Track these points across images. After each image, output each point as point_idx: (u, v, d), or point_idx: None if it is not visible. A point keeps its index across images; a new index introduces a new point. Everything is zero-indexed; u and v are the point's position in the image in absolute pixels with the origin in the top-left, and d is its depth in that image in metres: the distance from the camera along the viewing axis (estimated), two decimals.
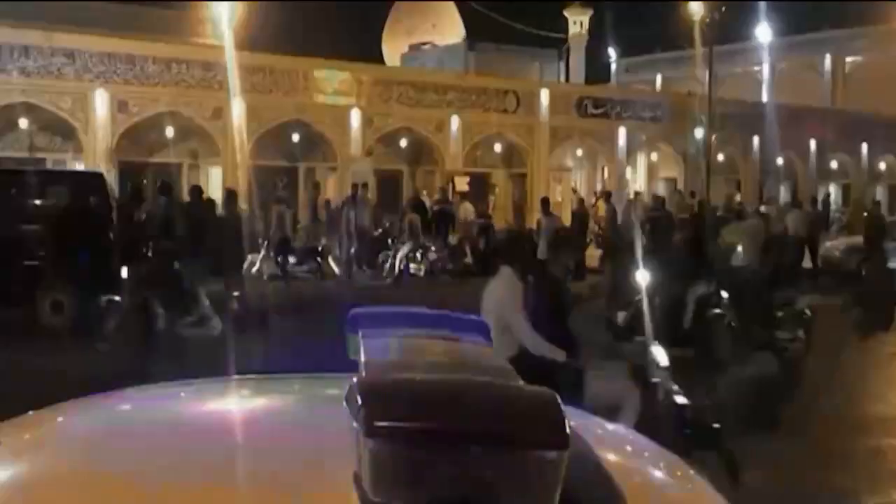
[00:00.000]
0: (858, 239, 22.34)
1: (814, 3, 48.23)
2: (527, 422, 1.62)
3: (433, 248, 21.61)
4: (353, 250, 21.10)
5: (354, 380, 1.73)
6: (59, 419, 2.41)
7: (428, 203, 24.97)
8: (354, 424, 1.59)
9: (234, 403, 2.54)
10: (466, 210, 25.37)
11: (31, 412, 2.43)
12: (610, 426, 2.67)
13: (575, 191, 35.47)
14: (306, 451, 1.98)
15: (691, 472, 2.29)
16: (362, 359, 2.07)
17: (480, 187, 32.75)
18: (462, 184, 30.37)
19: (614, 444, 2.41)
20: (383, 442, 1.52)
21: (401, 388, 1.70)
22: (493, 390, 1.78)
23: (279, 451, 1.96)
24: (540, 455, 1.56)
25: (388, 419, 1.54)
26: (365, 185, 24.22)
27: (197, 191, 16.77)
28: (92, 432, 2.23)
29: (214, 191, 26.92)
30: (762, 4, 45.63)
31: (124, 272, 13.65)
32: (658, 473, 2.31)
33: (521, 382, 1.95)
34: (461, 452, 1.54)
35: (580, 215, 24.81)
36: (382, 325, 2.38)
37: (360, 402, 1.60)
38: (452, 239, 23.04)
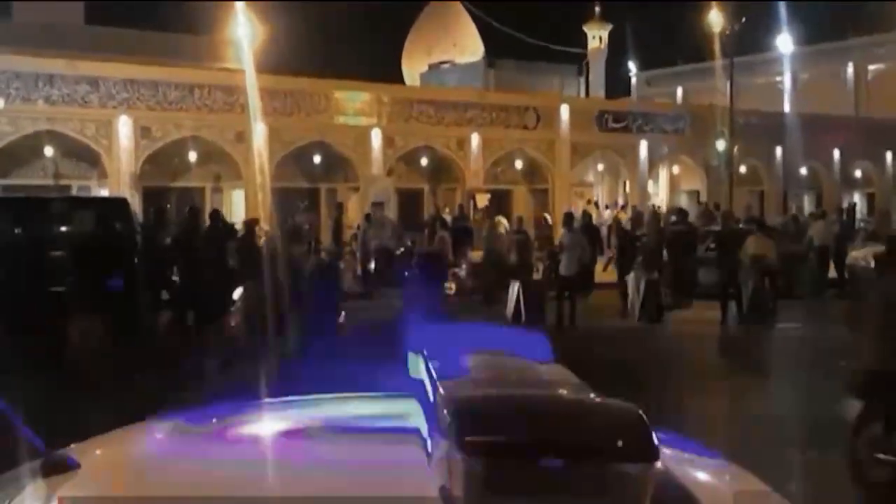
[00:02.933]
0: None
1: (835, 12, 48.02)
2: (617, 435, 1.63)
3: (462, 266, 21.60)
4: (372, 269, 21.11)
5: (441, 396, 1.75)
6: (139, 439, 2.44)
7: (448, 220, 24.97)
8: (444, 440, 1.61)
9: (304, 422, 2.56)
10: (501, 224, 25.32)
11: (108, 433, 2.47)
12: (694, 447, 2.59)
13: (592, 202, 35.36)
14: (381, 468, 1.99)
15: (776, 495, 2.23)
16: (433, 376, 2.09)
17: (502, 204, 32.75)
18: (483, 200, 30.39)
19: (699, 465, 2.36)
20: (478, 457, 1.55)
21: (492, 404, 1.72)
22: (582, 405, 1.80)
23: (356, 469, 1.98)
24: (630, 468, 1.58)
25: (482, 434, 1.56)
26: (381, 205, 24.23)
27: (216, 215, 16.91)
28: (169, 450, 2.25)
29: (238, 212, 27.17)
30: (783, 14, 45.40)
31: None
32: (745, 499, 2.24)
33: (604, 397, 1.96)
34: (554, 466, 1.56)
35: (589, 227, 23.94)
36: (444, 343, 2.40)
37: (452, 418, 1.61)
38: (474, 256, 22.97)
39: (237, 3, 28.56)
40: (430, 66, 53.96)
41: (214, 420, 2.62)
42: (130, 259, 14.41)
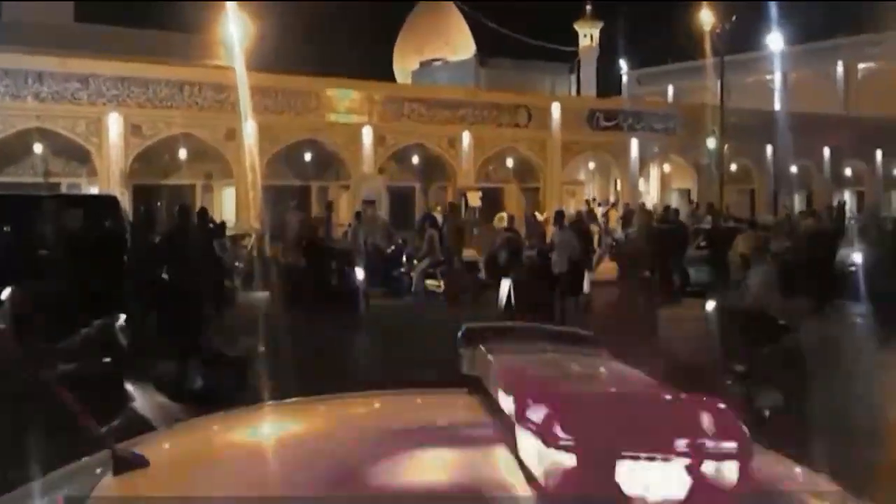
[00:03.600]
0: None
1: (825, 11, 48.17)
2: (708, 431, 1.65)
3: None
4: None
5: (523, 394, 1.76)
6: (205, 434, 2.43)
7: (439, 219, 24.95)
8: (531, 437, 1.63)
9: (367, 419, 2.54)
10: (503, 220, 25.37)
11: (175, 427, 2.47)
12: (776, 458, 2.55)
13: (588, 202, 35.40)
14: (460, 466, 1.98)
15: None
16: (492, 374, 2.10)
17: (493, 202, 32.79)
18: (474, 199, 30.39)
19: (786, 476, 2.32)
20: (570, 454, 1.56)
21: (575, 402, 1.74)
22: (667, 401, 1.82)
23: (426, 465, 1.98)
24: (722, 465, 1.60)
25: (572, 432, 1.58)
26: (373, 203, 24.22)
27: (203, 214, 16.90)
28: (236, 446, 2.25)
29: (229, 210, 27.16)
30: (773, 13, 45.53)
31: None
32: None
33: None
34: (646, 463, 1.58)
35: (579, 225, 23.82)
36: (496, 341, 2.42)
37: (542, 415, 1.63)
38: (467, 254, 22.93)
39: (228, 1, 28.51)
40: (422, 65, 53.95)
41: (266, 415, 2.62)
42: (120, 257, 14.39)
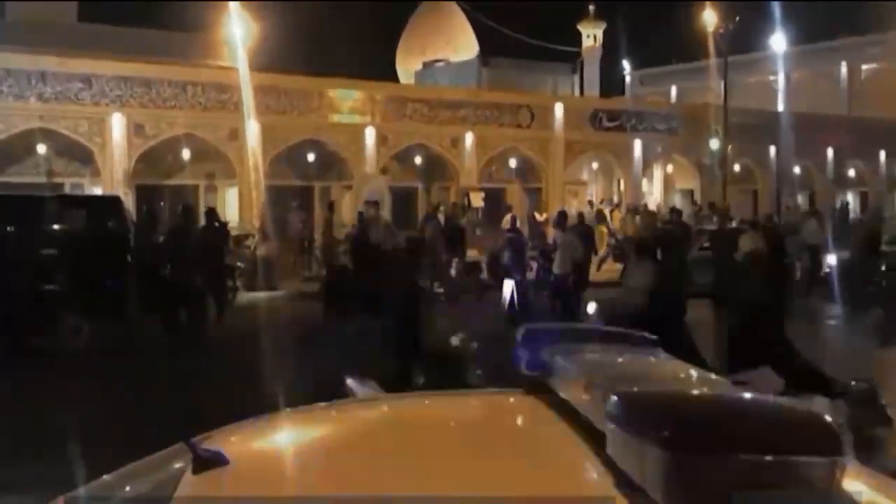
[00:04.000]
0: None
1: (829, 11, 48.11)
2: (801, 429, 1.66)
3: (452, 266, 21.54)
4: None
5: (620, 394, 1.77)
6: (278, 430, 2.44)
7: (442, 219, 24.91)
8: (631, 437, 1.64)
9: (434, 418, 2.55)
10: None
11: (249, 422, 2.46)
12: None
13: (601, 202, 35.37)
14: (544, 466, 1.99)
15: None
16: (565, 374, 2.10)
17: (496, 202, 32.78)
18: (477, 199, 30.38)
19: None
20: (676, 452, 1.57)
21: (666, 402, 1.75)
22: (758, 402, 1.83)
23: (502, 464, 1.98)
24: (817, 462, 1.61)
25: (678, 431, 1.59)
26: (377, 204, 24.19)
27: (212, 214, 16.93)
28: (309, 444, 2.25)
29: (231, 211, 27.15)
30: (777, 14, 45.48)
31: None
32: None
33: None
34: (745, 461, 1.59)
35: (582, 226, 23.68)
36: (558, 341, 2.42)
37: (647, 416, 1.64)
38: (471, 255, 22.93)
39: (231, 1, 28.52)
40: (425, 65, 53.95)
41: (334, 412, 2.62)
42: (123, 257, 14.41)
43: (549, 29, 57.51)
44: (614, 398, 1.76)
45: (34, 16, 33.42)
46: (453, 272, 21.50)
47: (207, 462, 1.93)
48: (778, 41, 48.31)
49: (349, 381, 3.21)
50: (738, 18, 34.23)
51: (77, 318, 13.63)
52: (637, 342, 2.61)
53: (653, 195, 37.22)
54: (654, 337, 2.74)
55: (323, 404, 2.61)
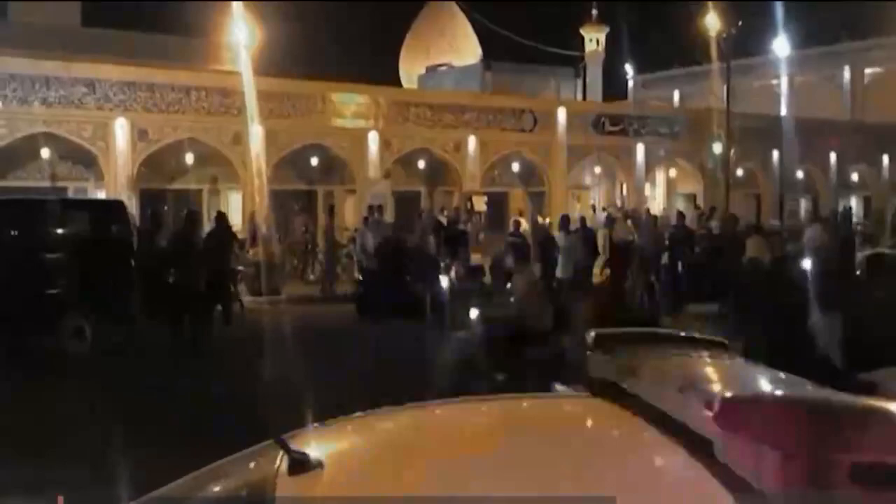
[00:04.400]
0: (880, 251, 22.11)
1: (831, 15, 48.10)
2: None
3: (453, 270, 21.50)
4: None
5: (727, 399, 1.77)
6: (362, 432, 2.45)
7: (444, 222, 24.93)
8: (745, 442, 1.64)
9: (510, 419, 2.54)
10: (521, 224, 25.54)
11: (338, 421, 2.47)
12: None
13: (599, 208, 35.38)
14: (616, 467, 1.98)
15: None
16: (640, 376, 2.12)
17: (499, 206, 32.80)
18: (480, 203, 30.39)
19: None
20: (798, 455, 1.58)
21: (786, 406, 1.76)
22: (874, 404, 1.83)
23: (592, 467, 1.98)
24: None
25: (796, 436, 1.60)
26: (380, 208, 24.24)
27: (221, 217, 16.96)
28: (393, 446, 2.26)
29: (235, 215, 27.16)
30: (779, 18, 45.45)
31: None
32: None
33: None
34: (867, 464, 1.60)
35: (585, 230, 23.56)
36: (626, 345, 2.42)
37: (761, 420, 1.65)
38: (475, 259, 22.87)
39: (234, 5, 28.56)
40: (428, 69, 53.98)
41: (414, 414, 2.60)
42: (127, 261, 14.45)
43: (552, 33, 57.58)
44: (723, 401, 1.75)
45: (38, 19, 33.50)
46: (454, 276, 21.47)
47: (302, 463, 1.95)
48: (781, 45, 48.26)
49: (558, 387, 3.25)
50: (740, 22, 34.23)
51: (80, 322, 13.67)
52: (708, 346, 2.62)
53: (655, 199, 37.21)
54: (725, 341, 2.75)
55: (395, 408, 2.63)
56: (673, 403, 1.98)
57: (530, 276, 12.30)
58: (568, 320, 11.32)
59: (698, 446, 1.79)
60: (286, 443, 2.02)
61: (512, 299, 11.60)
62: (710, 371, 2.29)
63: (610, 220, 28.11)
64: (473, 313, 11.65)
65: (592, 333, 2.52)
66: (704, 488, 1.74)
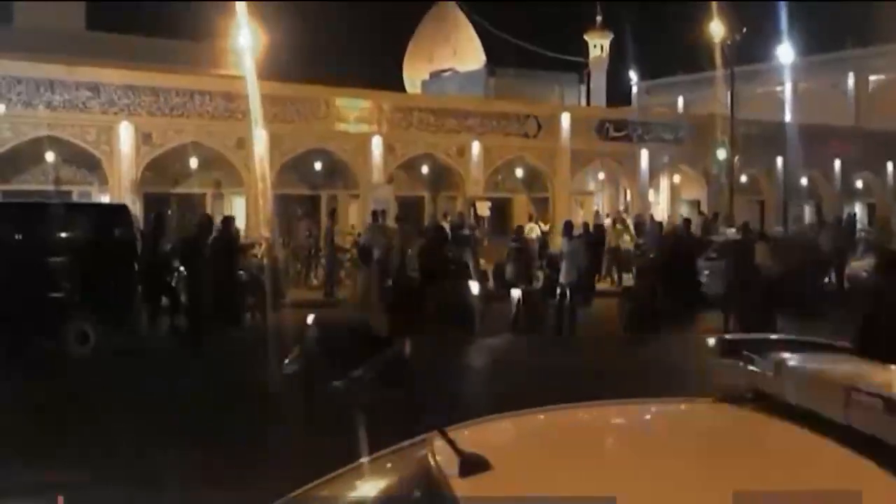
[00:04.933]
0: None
1: (836, 22, 48.09)
2: None
3: None
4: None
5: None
6: (508, 433, 2.48)
7: (447, 228, 24.82)
8: None
9: (649, 423, 2.58)
10: (534, 230, 25.51)
11: (496, 420, 2.49)
12: None
13: (602, 214, 35.31)
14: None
15: None
16: (781, 379, 2.11)
17: (502, 212, 32.77)
18: (483, 208, 30.36)
19: None
20: None
21: None
22: None
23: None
24: None
25: None
26: (384, 213, 24.21)
27: (228, 223, 16.94)
28: (541, 447, 2.27)
29: (239, 219, 27.13)
30: (783, 24, 45.45)
31: None
32: None
33: None
34: None
35: (588, 236, 23.01)
36: (754, 352, 2.42)
37: None
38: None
39: (239, 9, 28.59)
40: (432, 74, 53.99)
41: (568, 414, 2.64)
42: (130, 265, 14.44)
43: (555, 39, 57.57)
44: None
45: (43, 23, 33.53)
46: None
47: (473, 466, 1.94)
48: (785, 52, 48.28)
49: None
50: (744, 29, 34.25)
51: (84, 326, 13.65)
52: (832, 350, 2.62)
53: (659, 205, 37.18)
54: (848, 345, 2.75)
55: (530, 411, 2.63)
56: (837, 407, 1.96)
57: (366, 278, 12.19)
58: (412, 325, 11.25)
59: (867, 447, 1.78)
60: (452, 440, 2.02)
61: None
62: (873, 373, 2.28)
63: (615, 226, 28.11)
64: (310, 318, 11.52)
65: (715, 339, 2.52)
66: (880, 490, 1.72)
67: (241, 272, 20.06)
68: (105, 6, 39.26)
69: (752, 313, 14.96)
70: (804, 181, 39.68)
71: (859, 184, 42.57)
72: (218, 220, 17.80)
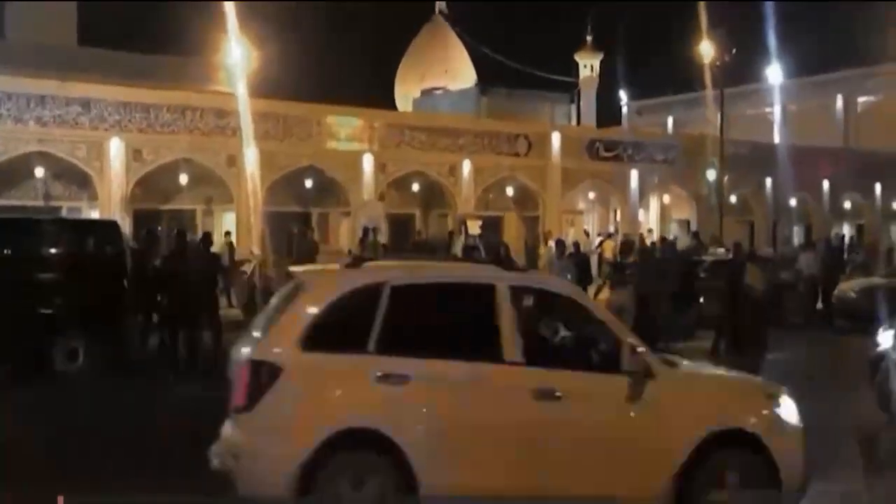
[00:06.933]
0: (873, 280, 22.15)
1: (825, 44, 48.43)
2: None
3: None
4: None
5: None
6: None
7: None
8: None
9: None
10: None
11: None
12: None
13: (587, 233, 35.37)
14: None
15: None
16: None
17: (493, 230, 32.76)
18: (474, 227, 30.34)
19: None
20: None
21: None
22: None
23: None
24: None
25: None
26: (375, 230, 24.20)
27: (206, 239, 16.90)
28: None
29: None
30: (773, 46, 45.79)
31: None
32: None
33: None
34: None
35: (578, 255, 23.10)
36: None
37: None
38: None
39: (230, 26, 28.61)
40: (423, 93, 54.14)
41: None
42: (120, 282, 14.36)
43: (546, 59, 57.83)
44: None
45: (34, 38, 33.48)
46: None
47: None
48: (774, 73, 48.64)
49: None
50: (734, 50, 34.44)
51: (74, 343, 13.55)
52: None
53: (649, 225, 37.27)
54: None
55: None
56: None
57: None
58: None
59: None
60: None
61: None
62: None
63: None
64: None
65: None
66: None
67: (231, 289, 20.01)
68: (96, 22, 39.29)
69: (745, 334, 14.97)
70: (793, 202, 39.84)
71: (848, 205, 42.76)
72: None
